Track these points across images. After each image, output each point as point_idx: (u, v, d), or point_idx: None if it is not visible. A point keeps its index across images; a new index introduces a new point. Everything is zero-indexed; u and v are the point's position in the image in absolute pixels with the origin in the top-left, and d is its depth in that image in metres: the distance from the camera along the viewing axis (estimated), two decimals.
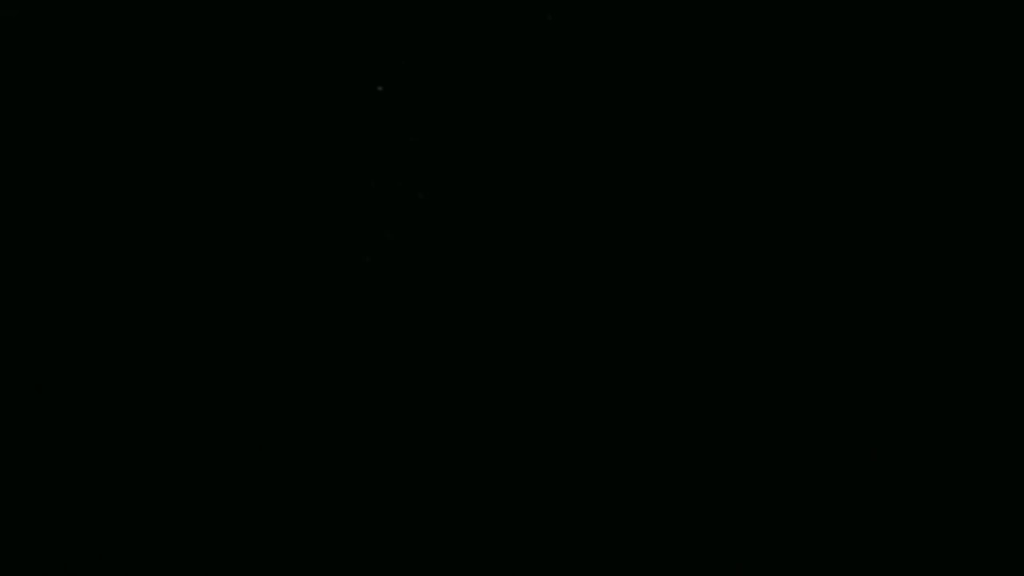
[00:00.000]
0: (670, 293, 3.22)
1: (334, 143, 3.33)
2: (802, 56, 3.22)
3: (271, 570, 3.14)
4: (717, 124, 3.23)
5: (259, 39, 3.38)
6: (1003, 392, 3.12)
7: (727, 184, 3.21)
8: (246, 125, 3.34)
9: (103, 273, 3.28)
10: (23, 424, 3.17)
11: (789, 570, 3.09)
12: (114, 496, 3.13)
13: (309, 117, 3.34)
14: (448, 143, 3.33)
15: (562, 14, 3.32)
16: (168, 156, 3.36)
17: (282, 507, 3.18)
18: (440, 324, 3.22)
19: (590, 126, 3.29)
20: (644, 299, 3.23)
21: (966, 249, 3.16)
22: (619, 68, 3.31)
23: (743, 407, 3.17)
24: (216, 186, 3.32)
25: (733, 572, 3.10)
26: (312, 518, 3.20)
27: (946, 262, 3.16)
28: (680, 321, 3.22)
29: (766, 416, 3.16)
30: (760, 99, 3.22)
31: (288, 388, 3.22)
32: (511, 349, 3.25)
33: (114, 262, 3.28)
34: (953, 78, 3.21)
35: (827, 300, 3.19)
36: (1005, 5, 3.19)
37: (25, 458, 3.15)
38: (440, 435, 3.23)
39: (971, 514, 3.07)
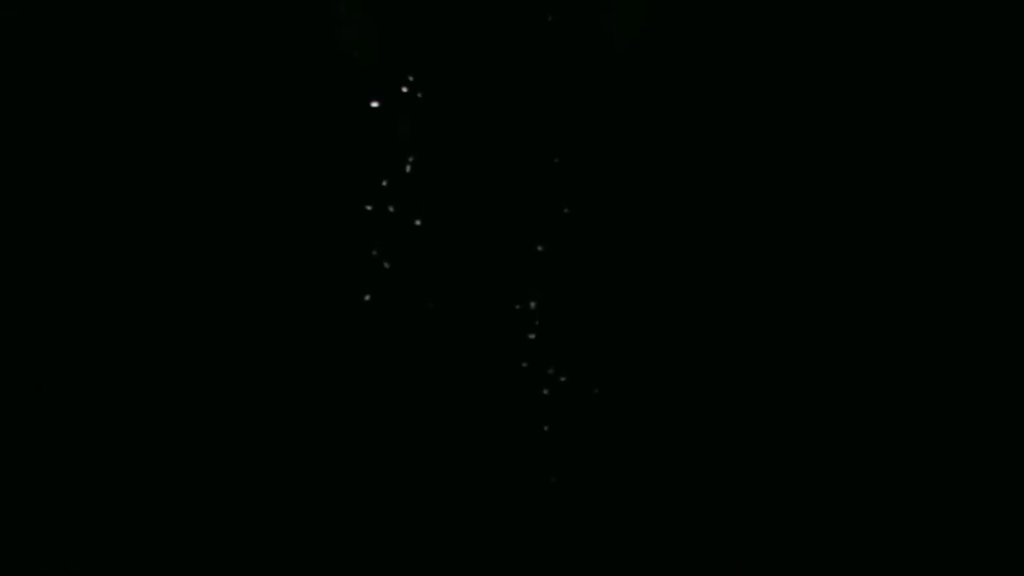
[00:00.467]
0: (671, 316, 3.27)
1: (326, 165, 3.40)
2: (801, 57, 3.26)
3: (271, 570, 3.27)
4: (721, 128, 3.28)
5: (252, 54, 3.42)
6: (1003, 392, 3.14)
7: (732, 188, 3.26)
8: (239, 143, 3.39)
9: (102, 278, 3.34)
10: (23, 424, 3.26)
11: (789, 570, 3.14)
12: (114, 496, 3.23)
13: (300, 138, 3.39)
14: (444, 164, 3.42)
15: (561, 17, 3.36)
16: (164, 162, 3.41)
17: (275, 518, 3.29)
18: (439, 352, 3.31)
19: (593, 143, 3.33)
20: (646, 328, 3.30)
21: (966, 249, 3.19)
22: (622, 76, 3.36)
23: (743, 407, 3.22)
24: (209, 207, 3.38)
25: (733, 572, 3.17)
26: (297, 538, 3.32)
27: (946, 262, 3.19)
28: (680, 335, 3.26)
29: (766, 416, 3.21)
30: (763, 100, 3.27)
31: (284, 416, 3.32)
32: (511, 375, 3.32)
33: (113, 268, 3.34)
34: (953, 78, 3.23)
35: (827, 300, 3.23)
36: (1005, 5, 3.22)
37: (25, 458, 3.23)
38: (440, 468, 3.34)
39: (971, 514, 3.09)
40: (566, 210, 3.33)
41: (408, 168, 3.38)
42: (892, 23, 3.25)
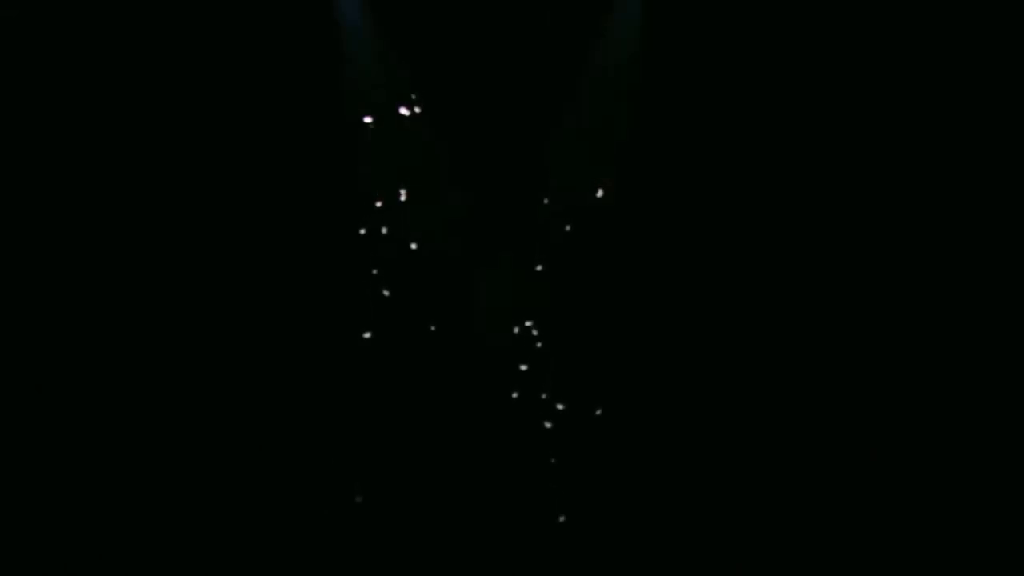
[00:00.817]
0: (672, 334, 3.32)
1: (318, 188, 3.41)
2: (799, 57, 3.31)
3: (270, 570, 3.29)
4: (722, 127, 3.33)
5: (249, 70, 3.42)
6: (1003, 392, 3.16)
7: (730, 212, 3.31)
8: (234, 159, 3.40)
9: (98, 290, 3.34)
10: (23, 424, 3.26)
11: (789, 570, 3.17)
12: (114, 496, 3.25)
13: (295, 160, 3.41)
14: (440, 183, 3.43)
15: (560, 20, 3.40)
16: (160, 169, 3.40)
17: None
18: (440, 376, 3.36)
19: (593, 161, 3.39)
20: (647, 346, 3.34)
21: (966, 249, 3.22)
22: (620, 94, 3.41)
23: (743, 407, 3.26)
24: (202, 221, 3.38)
25: (733, 572, 3.20)
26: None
27: (946, 262, 3.22)
28: (681, 336, 3.30)
29: (766, 416, 3.25)
30: (763, 100, 3.32)
31: (281, 441, 3.33)
32: (514, 398, 3.35)
33: (109, 280, 3.34)
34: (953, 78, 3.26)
35: (826, 318, 3.26)
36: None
37: (25, 458, 3.25)
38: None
39: (971, 514, 3.11)
40: (568, 227, 3.40)
41: (403, 192, 3.45)
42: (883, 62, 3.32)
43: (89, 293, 3.36)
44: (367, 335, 3.34)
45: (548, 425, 3.30)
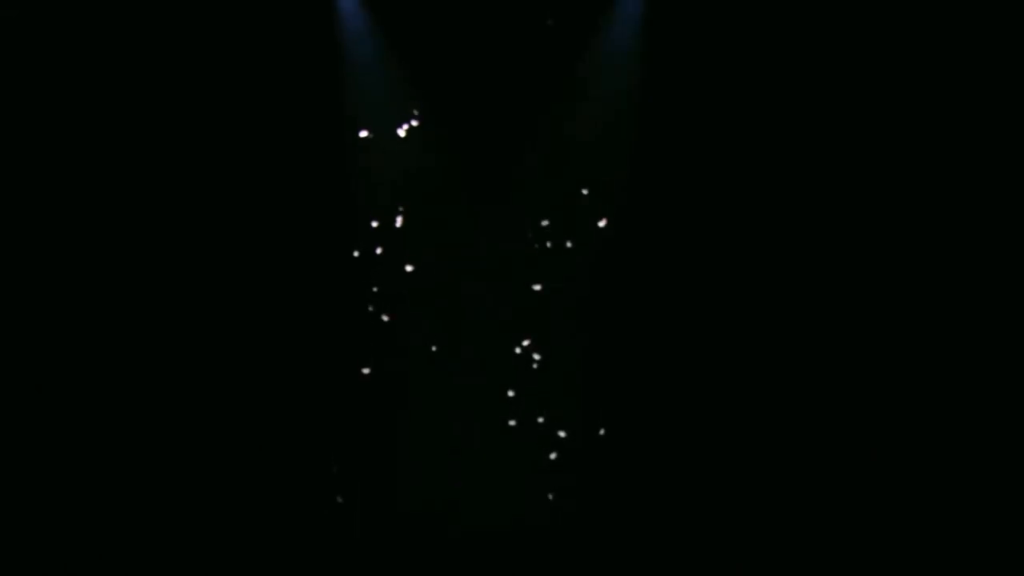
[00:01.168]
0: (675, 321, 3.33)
1: (310, 205, 3.41)
2: (799, 58, 3.34)
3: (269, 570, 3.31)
4: (722, 128, 3.36)
5: (248, 85, 3.44)
6: (1003, 392, 3.16)
7: (735, 187, 3.33)
8: (231, 173, 3.41)
9: (101, 282, 3.34)
10: (23, 424, 3.25)
11: (789, 570, 3.18)
12: (114, 496, 3.25)
13: (290, 171, 3.41)
14: (436, 205, 3.43)
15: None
16: (157, 171, 3.40)
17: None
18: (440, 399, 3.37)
19: (591, 180, 3.41)
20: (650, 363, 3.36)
21: (966, 250, 3.23)
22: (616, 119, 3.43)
23: (744, 407, 3.27)
24: (203, 227, 3.39)
25: (733, 572, 3.21)
26: None
27: (946, 262, 3.24)
28: (681, 336, 3.31)
29: (766, 416, 3.27)
30: (761, 101, 3.34)
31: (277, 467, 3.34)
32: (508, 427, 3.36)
33: (108, 279, 3.35)
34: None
35: (828, 301, 3.28)
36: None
37: (25, 458, 3.23)
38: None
39: (971, 514, 3.12)
40: (569, 244, 3.40)
41: (399, 215, 3.45)
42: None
43: (89, 300, 3.35)
44: (366, 371, 3.35)
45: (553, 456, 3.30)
